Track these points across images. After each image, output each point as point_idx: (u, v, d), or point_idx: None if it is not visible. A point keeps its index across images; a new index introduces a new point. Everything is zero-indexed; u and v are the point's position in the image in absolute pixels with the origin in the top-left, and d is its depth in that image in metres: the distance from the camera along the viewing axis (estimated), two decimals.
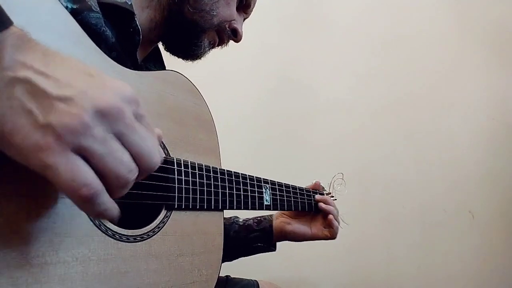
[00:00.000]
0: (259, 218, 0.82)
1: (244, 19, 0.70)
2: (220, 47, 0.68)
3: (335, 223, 0.77)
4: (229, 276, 0.81)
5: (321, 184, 0.83)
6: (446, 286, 1.34)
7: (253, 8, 0.69)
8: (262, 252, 0.82)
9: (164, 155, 0.30)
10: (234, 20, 0.64)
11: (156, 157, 0.30)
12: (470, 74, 1.53)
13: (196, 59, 0.65)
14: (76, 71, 0.27)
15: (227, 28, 0.64)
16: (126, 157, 0.27)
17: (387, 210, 1.39)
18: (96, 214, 0.27)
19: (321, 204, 0.78)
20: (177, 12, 0.59)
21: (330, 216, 0.77)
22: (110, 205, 0.28)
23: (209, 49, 0.66)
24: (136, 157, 0.28)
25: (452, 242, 1.37)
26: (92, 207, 0.26)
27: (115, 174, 0.27)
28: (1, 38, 0.25)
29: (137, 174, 0.28)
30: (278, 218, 0.81)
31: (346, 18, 1.53)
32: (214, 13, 0.60)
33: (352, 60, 1.50)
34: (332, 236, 0.78)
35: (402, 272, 1.35)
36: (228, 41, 0.67)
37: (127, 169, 0.27)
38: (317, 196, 0.80)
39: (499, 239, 1.37)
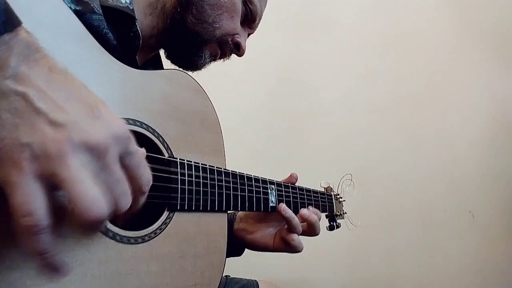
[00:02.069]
0: None
1: (249, 35, 0.69)
2: (222, 60, 0.67)
3: (291, 240, 0.65)
4: (229, 276, 0.81)
5: (330, 184, 0.82)
6: (446, 286, 1.34)
7: (258, 23, 0.68)
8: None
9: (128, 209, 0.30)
10: (237, 34, 0.63)
11: (123, 203, 0.29)
12: (470, 74, 1.53)
13: (196, 69, 0.64)
14: (78, 97, 0.27)
15: (230, 42, 0.63)
16: (95, 191, 0.26)
17: (387, 210, 1.39)
18: (31, 251, 0.25)
19: (284, 212, 0.64)
20: (179, 22, 0.58)
21: (288, 236, 0.64)
22: (50, 248, 0.26)
23: (210, 61, 0.65)
24: (106, 198, 0.27)
25: (452, 242, 1.37)
26: (29, 241, 0.25)
27: (79, 206, 0.25)
28: (9, 43, 0.25)
29: (106, 211, 0.27)
30: (240, 222, 0.71)
31: (347, 18, 1.52)
32: (217, 25, 0.60)
33: (353, 60, 1.50)
34: (292, 251, 0.66)
35: (402, 272, 1.34)
36: (230, 55, 0.67)
37: (96, 204, 0.26)
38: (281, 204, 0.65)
39: (499, 239, 1.38)
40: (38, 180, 0.25)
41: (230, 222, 0.71)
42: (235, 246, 0.71)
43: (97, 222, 0.26)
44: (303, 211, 0.67)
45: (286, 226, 0.66)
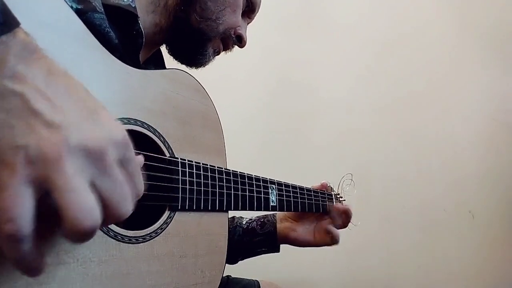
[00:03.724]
0: (262, 220, 0.80)
1: (247, 23, 0.70)
2: (224, 52, 0.68)
3: (334, 231, 0.76)
4: (230, 276, 0.81)
5: (330, 184, 0.83)
6: (446, 286, 1.34)
7: (257, 13, 0.69)
8: (266, 253, 0.80)
9: (131, 210, 0.29)
10: (239, 26, 0.64)
11: (124, 208, 0.28)
12: (470, 74, 1.53)
13: (200, 66, 0.65)
14: (77, 99, 0.26)
15: (232, 35, 0.64)
16: (89, 201, 0.25)
17: (387, 210, 1.39)
18: (11, 258, 0.24)
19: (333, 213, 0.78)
20: (183, 20, 0.58)
21: (330, 227, 0.76)
22: (27, 257, 0.24)
23: (213, 57, 0.65)
24: (103, 204, 0.27)
25: (452, 242, 1.37)
26: (8, 247, 0.24)
27: (70, 216, 0.24)
28: (6, 43, 0.24)
29: (98, 223, 0.26)
30: (282, 222, 0.79)
31: (347, 18, 1.53)
32: (220, 21, 0.60)
33: (353, 61, 1.50)
34: (333, 242, 0.77)
35: (402, 272, 1.34)
36: (233, 47, 0.67)
37: (86, 215, 0.25)
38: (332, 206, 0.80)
39: (499, 239, 1.38)
40: (30, 185, 0.24)
41: (272, 222, 0.79)
42: (276, 244, 0.78)
43: (87, 233, 0.25)
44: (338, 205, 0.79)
45: (328, 219, 0.77)
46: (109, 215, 0.27)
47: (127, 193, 0.28)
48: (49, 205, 0.25)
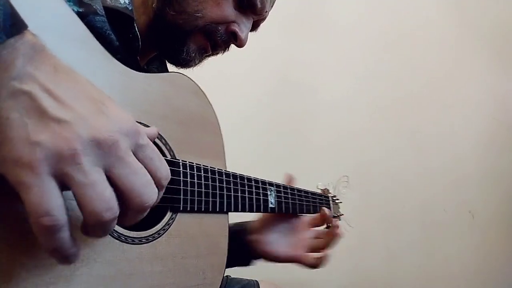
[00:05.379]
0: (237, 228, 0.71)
1: (259, 22, 0.63)
2: (221, 52, 0.62)
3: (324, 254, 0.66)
4: (230, 276, 0.81)
5: (326, 186, 0.83)
6: (446, 286, 1.35)
7: (263, 8, 0.60)
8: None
9: (158, 193, 0.30)
10: (233, 22, 0.57)
11: (147, 194, 0.28)
12: (470, 74, 1.54)
13: (185, 66, 0.59)
14: (83, 94, 0.27)
15: (220, 30, 0.57)
16: (107, 193, 0.26)
17: (387, 210, 1.39)
18: (48, 248, 0.26)
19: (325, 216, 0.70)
20: (160, 16, 0.55)
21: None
22: (67, 245, 0.26)
23: (199, 55, 0.59)
24: (124, 193, 0.27)
25: (452, 242, 1.37)
26: (46, 239, 0.25)
27: (90, 209, 0.25)
28: (14, 45, 0.25)
29: (116, 214, 0.27)
30: (253, 233, 0.70)
31: (347, 18, 1.53)
32: (199, 15, 0.55)
33: (353, 61, 1.50)
34: (316, 265, 0.67)
35: (402, 272, 1.35)
36: (226, 45, 0.61)
37: (105, 206, 0.26)
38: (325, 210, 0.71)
39: (499, 239, 1.38)
40: (52, 179, 0.24)
41: (243, 232, 0.70)
42: (245, 256, 0.71)
43: (106, 224, 0.26)
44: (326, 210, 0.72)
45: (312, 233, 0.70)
46: (133, 204, 0.28)
47: (148, 180, 0.29)
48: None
